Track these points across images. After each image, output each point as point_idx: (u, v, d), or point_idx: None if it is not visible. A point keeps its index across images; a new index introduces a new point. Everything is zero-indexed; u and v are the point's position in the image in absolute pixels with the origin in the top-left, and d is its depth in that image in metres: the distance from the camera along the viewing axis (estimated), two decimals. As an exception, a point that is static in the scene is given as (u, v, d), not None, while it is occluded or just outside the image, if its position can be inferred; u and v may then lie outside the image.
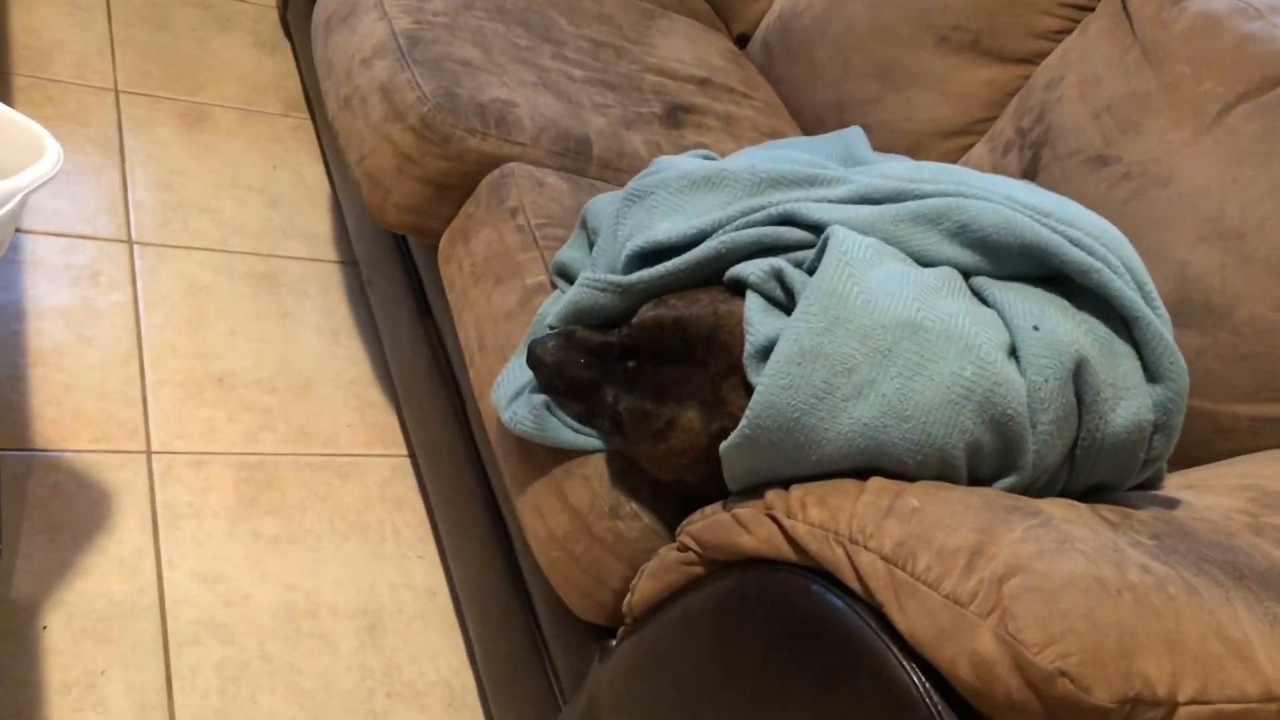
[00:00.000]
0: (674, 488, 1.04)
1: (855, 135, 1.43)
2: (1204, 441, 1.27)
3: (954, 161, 1.70)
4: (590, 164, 1.52)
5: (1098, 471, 0.95)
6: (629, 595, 1.06)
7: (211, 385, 1.69)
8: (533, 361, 1.06)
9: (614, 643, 1.10)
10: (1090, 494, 0.98)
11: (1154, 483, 1.05)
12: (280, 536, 1.54)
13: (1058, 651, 0.69)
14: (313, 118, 2.32)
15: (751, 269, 0.99)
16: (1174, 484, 1.09)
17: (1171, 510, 0.95)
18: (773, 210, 1.05)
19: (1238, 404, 1.26)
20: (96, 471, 1.51)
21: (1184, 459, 1.26)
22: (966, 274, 0.97)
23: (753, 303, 0.97)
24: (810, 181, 1.08)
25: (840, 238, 0.95)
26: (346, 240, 2.08)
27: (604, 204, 1.26)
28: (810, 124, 1.88)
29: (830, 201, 1.05)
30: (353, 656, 1.43)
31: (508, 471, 1.18)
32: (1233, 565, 0.85)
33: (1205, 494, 1.03)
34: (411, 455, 1.73)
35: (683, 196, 1.13)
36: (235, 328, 1.80)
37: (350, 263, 2.03)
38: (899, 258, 0.97)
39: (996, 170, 1.59)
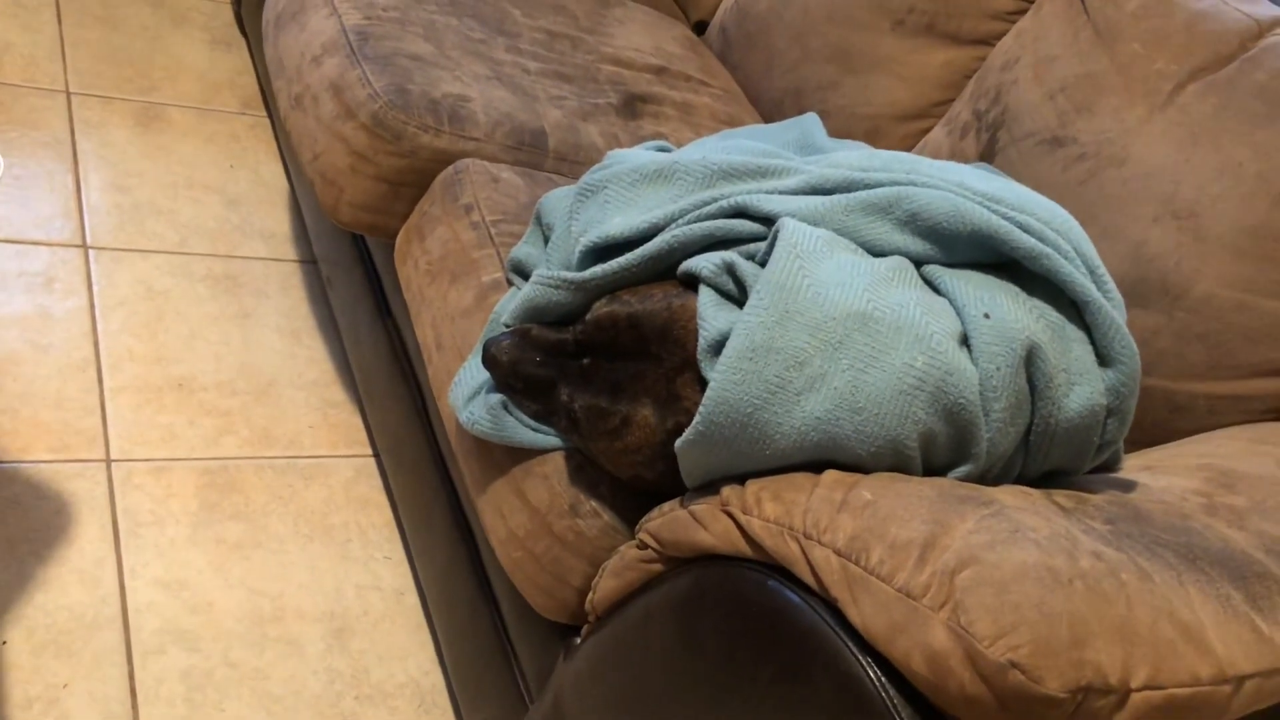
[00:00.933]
0: (632, 485, 1.04)
1: (811, 122, 1.42)
2: (1162, 420, 1.28)
3: (912, 145, 1.70)
4: (546, 157, 1.50)
5: (1052, 457, 0.95)
6: (591, 594, 1.06)
7: (171, 390, 1.68)
8: (488, 361, 1.05)
9: (578, 641, 1.10)
10: (1046, 479, 0.99)
11: (1112, 465, 1.05)
12: (244, 541, 1.52)
13: (1009, 643, 0.69)
14: (270, 115, 2.30)
15: (703, 263, 0.98)
16: (1131, 465, 1.09)
17: (1127, 494, 0.95)
18: (724, 203, 1.04)
19: (1195, 382, 1.26)
20: (55, 482, 1.49)
21: (1142, 438, 1.27)
22: (918, 263, 0.97)
23: (705, 297, 0.96)
24: (762, 173, 1.08)
25: (790, 230, 0.94)
26: (306, 239, 2.06)
27: (558, 199, 1.25)
28: (769, 110, 1.87)
29: (782, 193, 1.04)
30: (320, 660, 1.42)
31: (468, 471, 1.17)
32: (1187, 548, 0.85)
33: (1162, 475, 1.04)
34: (376, 455, 1.72)
35: (635, 190, 1.12)
36: (194, 331, 1.78)
37: (311, 261, 2.01)
38: (850, 248, 0.96)
39: (954, 153, 1.59)
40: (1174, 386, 1.28)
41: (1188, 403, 1.27)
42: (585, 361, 1.01)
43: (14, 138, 1.97)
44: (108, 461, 1.54)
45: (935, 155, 1.63)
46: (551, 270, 1.09)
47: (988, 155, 1.53)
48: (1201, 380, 1.26)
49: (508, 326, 1.09)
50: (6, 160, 1.92)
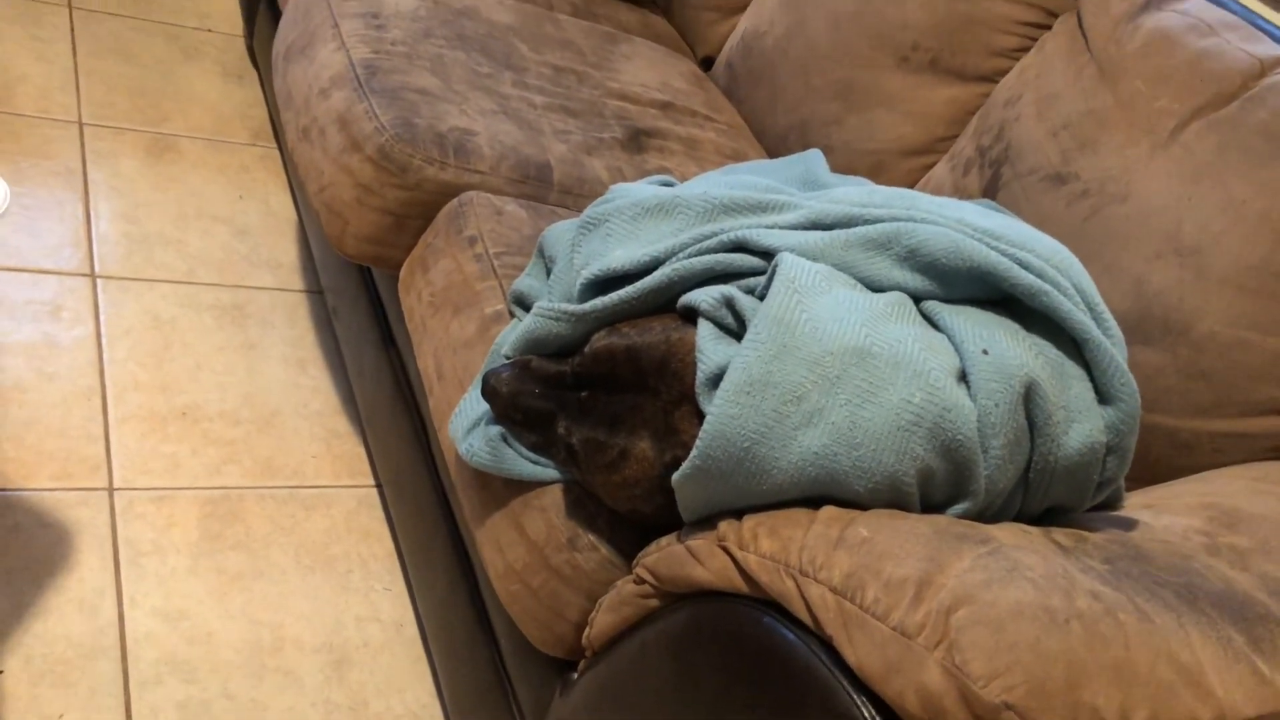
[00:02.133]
0: (630, 518, 1.04)
1: (814, 158, 1.43)
2: (1165, 458, 1.27)
3: (916, 180, 1.71)
4: (551, 190, 1.51)
5: (1052, 494, 0.94)
6: (588, 628, 1.05)
7: (175, 419, 1.68)
8: (487, 392, 1.06)
9: (575, 676, 1.09)
10: (1047, 516, 0.98)
11: (1113, 503, 1.04)
12: (244, 571, 1.52)
13: (1004, 684, 0.69)
14: (280, 146, 2.31)
15: (703, 296, 0.98)
16: (1134, 503, 1.08)
17: (1128, 532, 0.95)
18: (724, 237, 1.04)
19: (1198, 420, 1.26)
20: (57, 510, 1.49)
21: (1146, 476, 1.26)
22: (917, 298, 0.97)
23: (704, 330, 0.97)
24: (762, 208, 1.08)
25: (789, 265, 0.94)
26: (314, 269, 2.07)
27: (560, 232, 1.25)
28: (774, 145, 1.88)
29: (781, 227, 1.05)
30: (318, 692, 1.42)
31: (466, 503, 1.17)
32: (1187, 588, 0.85)
33: (1164, 514, 1.03)
34: (378, 485, 1.72)
35: (636, 224, 1.12)
36: (200, 360, 1.79)
37: (318, 291, 2.02)
38: (849, 283, 0.96)
39: (958, 188, 1.59)
40: (1178, 424, 1.27)
41: (1192, 441, 1.26)
42: (583, 394, 1.01)
43: (26, 167, 1.99)
44: (110, 490, 1.54)
45: (939, 191, 1.63)
46: (552, 302, 1.09)
47: (991, 191, 1.53)
48: (1206, 418, 1.26)
49: (508, 358, 1.09)
50: (18, 190, 1.94)
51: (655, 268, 1.06)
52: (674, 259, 1.05)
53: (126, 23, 2.50)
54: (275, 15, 2.18)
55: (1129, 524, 0.98)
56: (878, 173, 1.73)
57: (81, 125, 2.15)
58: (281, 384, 1.81)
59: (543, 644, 1.11)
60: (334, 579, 1.56)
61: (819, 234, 1.02)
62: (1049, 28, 1.62)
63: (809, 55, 1.83)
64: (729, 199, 1.09)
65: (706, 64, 2.16)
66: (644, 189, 1.20)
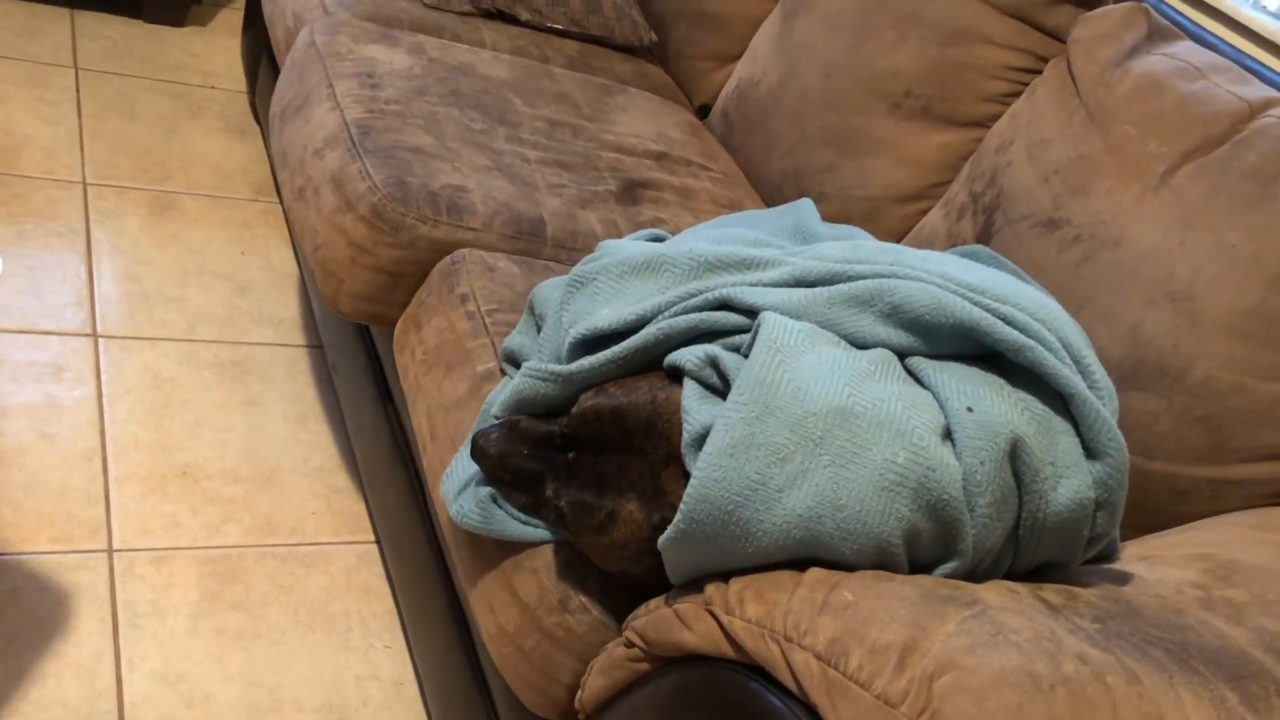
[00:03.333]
0: (621, 579, 1.03)
1: (805, 207, 1.43)
2: (1164, 505, 1.26)
3: (910, 226, 1.71)
4: (545, 245, 1.52)
5: (1042, 551, 0.93)
6: (580, 691, 1.04)
7: (175, 479, 1.68)
8: (476, 453, 1.05)
9: (569, 739, 1.08)
10: (1040, 572, 0.97)
11: (1109, 555, 1.03)
12: (244, 632, 1.51)
13: (987, 754, 0.68)
14: (282, 201, 2.33)
15: (688, 356, 0.98)
16: (1130, 554, 1.07)
17: (1120, 587, 0.94)
18: (709, 295, 1.04)
19: (1196, 466, 1.25)
20: (56, 573, 1.49)
21: (1144, 523, 1.25)
22: (901, 355, 0.97)
23: (690, 390, 0.96)
24: (746, 265, 1.08)
25: (770, 324, 0.94)
26: (315, 323, 2.08)
27: (550, 289, 1.26)
28: (769, 192, 1.88)
29: (765, 285, 1.05)
30: (317, 754, 1.41)
31: (460, 564, 1.17)
32: (1180, 646, 0.84)
33: (1159, 566, 1.02)
34: (378, 542, 1.72)
35: (623, 282, 1.13)
36: (200, 418, 1.80)
37: (319, 346, 2.03)
38: (832, 341, 0.96)
39: (952, 234, 1.59)
40: (1175, 471, 1.26)
41: (1190, 488, 1.25)
42: (571, 455, 1.01)
43: (30, 228, 2.01)
44: (110, 552, 1.55)
45: (932, 237, 1.63)
46: (541, 362, 1.09)
47: (984, 237, 1.53)
48: (1203, 465, 1.25)
49: (498, 418, 1.09)
50: (21, 251, 1.96)
51: (641, 326, 1.06)
52: (660, 318, 1.05)
53: (131, 82, 2.54)
54: (277, 71, 2.21)
55: (1122, 579, 0.97)
56: (872, 219, 1.73)
57: (85, 185, 2.18)
58: (282, 440, 1.82)
59: (536, 706, 1.10)
60: (334, 637, 1.55)
61: (803, 292, 1.02)
62: (1039, 72, 1.63)
63: (802, 103, 1.84)
64: (714, 256, 1.10)
65: (703, 112, 2.18)
66: (631, 246, 1.20)
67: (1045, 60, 1.63)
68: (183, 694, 1.41)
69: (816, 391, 0.88)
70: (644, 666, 0.96)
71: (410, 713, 1.50)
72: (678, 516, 0.88)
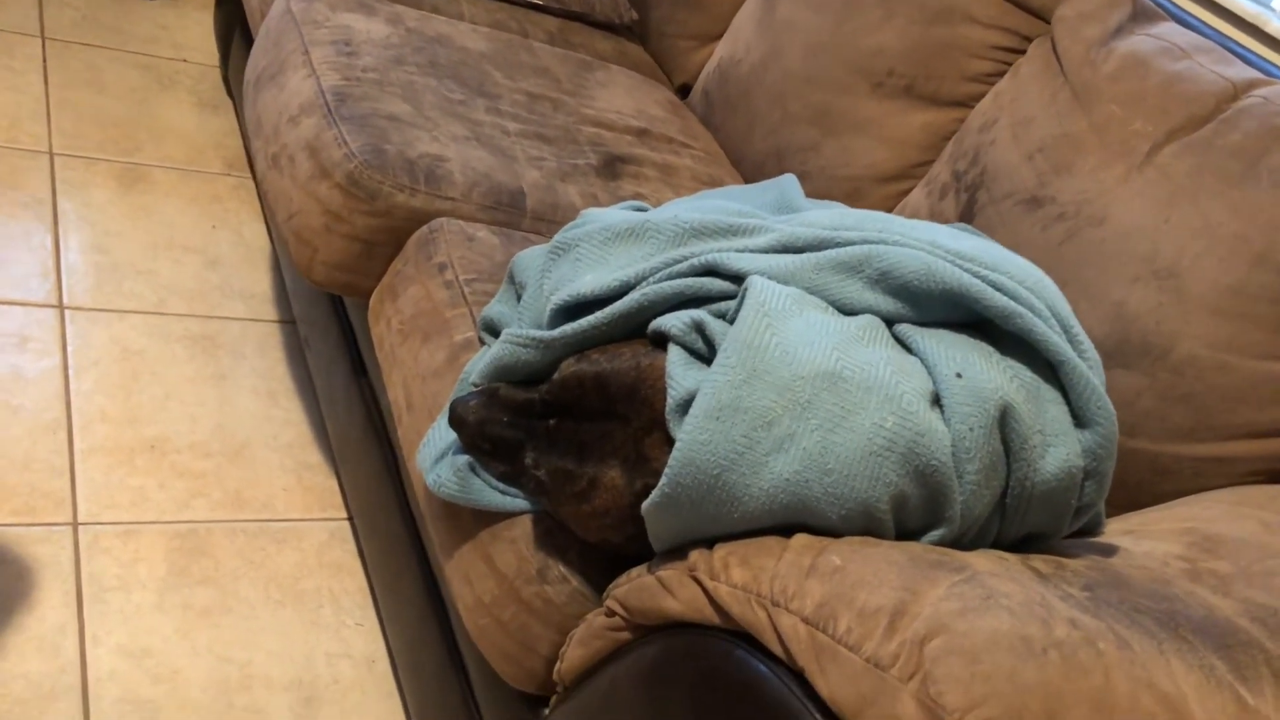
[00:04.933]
0: (601, 548, 1.01)
1: (789, 183, 1.41)
2: (1145, 483, 1.26)
3: (892, 206, 1.70)
4: (524, 217, 1.49)
5: (1029, 520, 0.92)
6: (559, 663, 1.02)
7: (143, 452, 1.65)
8: (454, 421, 1.03)
9: (546, 711, 1.06)
10: (1024, 544, 0.96)
11: (1092, 529, 1.03)
12: (212, 607, 1.48)
13: (979, 716, 0.67)
14: (254, 176, 2.29)
15: (673, 321, 0.96)
16: (1114, 529, 1.07)
17: (1107, 558, 0.93)
18: (695, 261, 1.02)
19: (1178, 444, 1.24)
20: (19, 546, 1.45)
21: (1126, 501, 1.25)
22: (889, 321, 0.96)
23: (674, 355, 0.95)
24: (733, 231, 1.06)
25: (759, 288, 0.93)
26: (287, 299, 2.04)
27: (531, 257, 1.24)
28: (750, 172, 1.87)
29: (752, 251, 1.03)
30: (286, 731, 1.38)
31: (435, 535, 1.15)
32: (1168, 615, 0.83)
33: (1144, 539, 1.01)
34: (350, 519, 1.69)
35: (607, 248, 1.11)
36: (169, 392, 1.76)
37: (290, 322, 2.00)
38: (820, 307, 0.95)
39: (934, 213, 1.58)
40: (1158, 449, 1.26)
41: (1172, 465, 1.25)
42: (552, 422, 0.99)
43: (-6, 198, 1.97)
44: (75, 525, 1.51)
45: (914, 216, 1.62)
46: (521, 329, 1.07)
47: (967, 216, 1.52)
48: (1185, 442, 1.24)
49: (476, 386, 1.07)
50: (-15, 220, 1.91)
51: (625, 293, 1.04)
52: (644, 284, 1.03)
53: (100, 53, 2.48)
54: (250, 44, 2.17)
55: (1108, 550, 0.96)
56: (854, 198, 1.72)
57: (52, 155, 2.13)
58: (252, 415, 1.78)
59: (513, 679, 1.08)
60: (304, 614, 1.53)
61: (790, 257, 1.00)
62: (1023, 52, 1.62)
63: (785, 82, 1.83)
64: (699, 223, 1.08)
65: (683, 92, 2.16)
66: (614, 214, 1.18)
67: (1029, 40, 1.63)
68: (149, 669, 1.38)
69: (804, 355, 0.87)
70: (625, 636, 0.94)
71: (381, 689, 1.48)
72: (662, 480, 0.86)
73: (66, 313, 1.82)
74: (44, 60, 2.38)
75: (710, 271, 1.02)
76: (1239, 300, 1.23)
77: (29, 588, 1.41)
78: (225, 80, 2.55)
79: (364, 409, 1.53)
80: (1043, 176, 1.44)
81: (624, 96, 1.91)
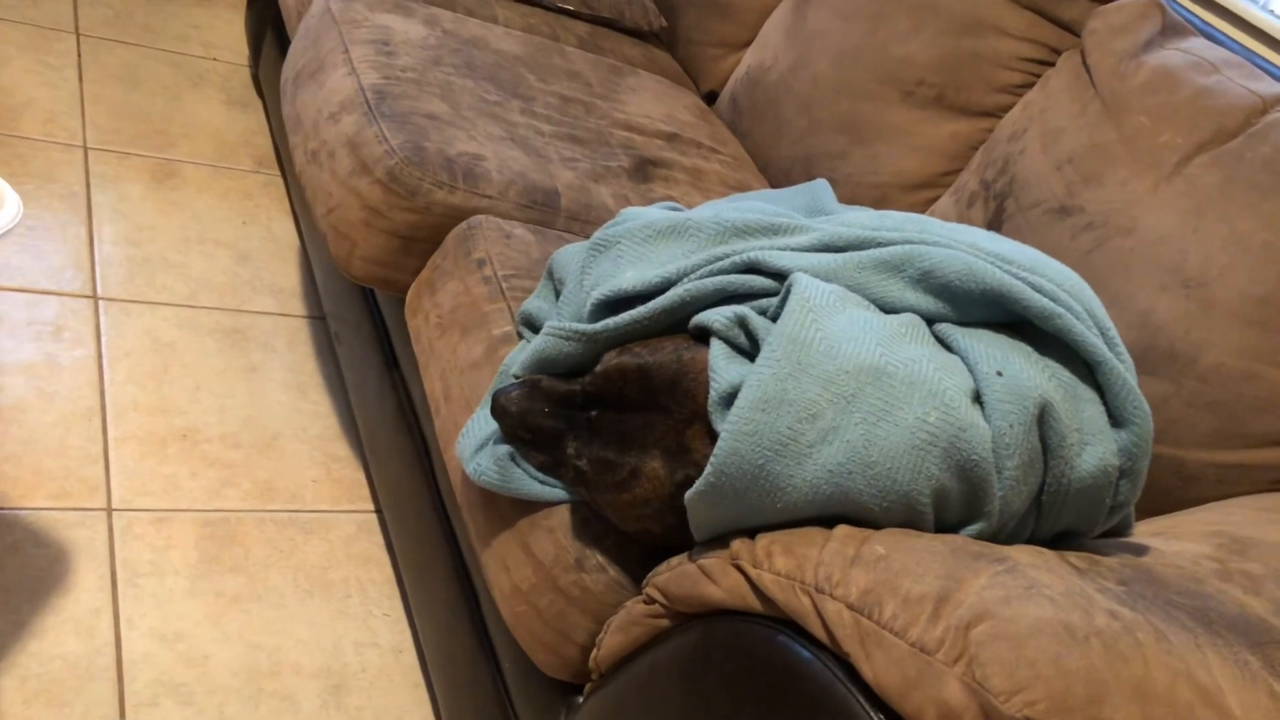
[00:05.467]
0: (639, 539, 1.03)
1: (821, 187, 1.43)
2: (1170, 489, 1.27)
3: (920, 213, 1.72)
4: (558, 216, 1.52)
5: (1065, 517, 0.94)
6: (595, 650, 1.04)
7: (175, 441, 1.67)
8: (497, 411, 1.05)
9: (580, 700, 1.08)
10: (1058, 541, 0.98)
11: (1122, 530, 1.04)
12: (242, 594, 1.50)
13: (1025, 699, 0.68)
14: (283, 174, 2.32)
15: (716, 316, 0.98)
16: (1142, 531, 1.08)
17: (1139, 557, 0.95)
18: (737, 258, 1.05)
19: (1204, 451, 1.26)
20: (55, 529, 1.48)
21: (1151, 507, 1.26)
22: (930, 320, 0.97)
23: (717, 349, 0.96)
24: (774, 230, 1.08)
25: (803, 284, 0.95)
26: (316, 295, 2.07)
27: (570, 254, 1.26)
28: (777, 178, 1.89)
29: (794, 249, 1.05)
30: (315, 717, 1.40)
31: (472, 524, 1.16)
32: (1202, 611, 0.84)
33: (1173, 541, 1.03)
34: (378, 511, 1.71)
35: (648, 245, 1.13)
36: (200, 383, 1.78)
37: (319, 317, 2.02)
38: (862, 304, 0.97)
39: (961, 221, 1.60)
40: (1183, 455, 1.27)
41: (1197, 472, 1.27)
42: (593, 413, 1.01)
43: (31, 190, 1.99)
44: (109, 510, 1.53)
45: (943, 223, 1.64)
46: (563, 322, 1.09)
47: (995, 224, 1.54)
48: (1211, 449, 1.26)
49: (517, 378, 1.09)
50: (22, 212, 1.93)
51: (666, 289, 1.06)
52: (686, 280, 1.05)
53: (134, 51, 2.52)
54: (281, 44, 2.20)
55: (1140, 549, 0.98)
56: (881, 205, 1.74)
57: (86, 150, 2.16)
58: (282, 408, 1.81)
59: (548, 667, 1.10)
60: (332, 604, 1.55)
61: (832, 256, 1.02)
62: (1052, 64, 1.65)
63: (813, 90, 1.85)
64: (741, 221, 1.10)
65: (710, 99, 2.18)
66: (654, 212, 1.20)
67: (1058, 52, 1.65)
68: (181, 653, 1.40)
69: (849, 350, 0.89)
70: (664, 623, 0.96)
71: (408, 680, 1.49)
72: (707, 470, 0.88)
73: (100, 303, 1.84)
74: (79, 56, 2.41)
75: (752, 269, 1.04)
76: (1266, 310, 1.24)
77: (65, 571, 1.43)
78: (255, 79, 2.58)
79: (395, 401, 1.55)
80: (1072, 186, 1.46)
81: (653, 101, 1.93)
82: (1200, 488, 1.27)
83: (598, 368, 1.02)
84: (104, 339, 1.78)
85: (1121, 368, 0.92)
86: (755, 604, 0.86)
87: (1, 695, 1.27)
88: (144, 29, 2.61)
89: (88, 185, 2.08)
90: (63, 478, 1.54)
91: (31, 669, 1.31)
